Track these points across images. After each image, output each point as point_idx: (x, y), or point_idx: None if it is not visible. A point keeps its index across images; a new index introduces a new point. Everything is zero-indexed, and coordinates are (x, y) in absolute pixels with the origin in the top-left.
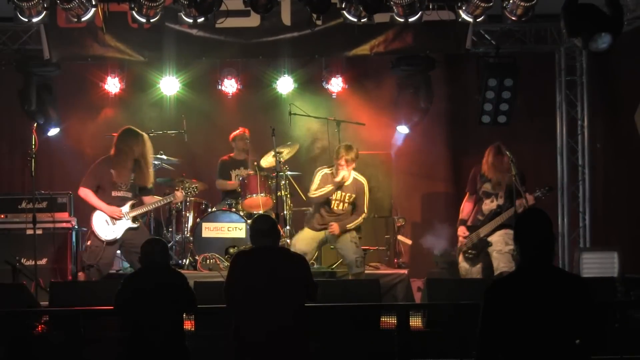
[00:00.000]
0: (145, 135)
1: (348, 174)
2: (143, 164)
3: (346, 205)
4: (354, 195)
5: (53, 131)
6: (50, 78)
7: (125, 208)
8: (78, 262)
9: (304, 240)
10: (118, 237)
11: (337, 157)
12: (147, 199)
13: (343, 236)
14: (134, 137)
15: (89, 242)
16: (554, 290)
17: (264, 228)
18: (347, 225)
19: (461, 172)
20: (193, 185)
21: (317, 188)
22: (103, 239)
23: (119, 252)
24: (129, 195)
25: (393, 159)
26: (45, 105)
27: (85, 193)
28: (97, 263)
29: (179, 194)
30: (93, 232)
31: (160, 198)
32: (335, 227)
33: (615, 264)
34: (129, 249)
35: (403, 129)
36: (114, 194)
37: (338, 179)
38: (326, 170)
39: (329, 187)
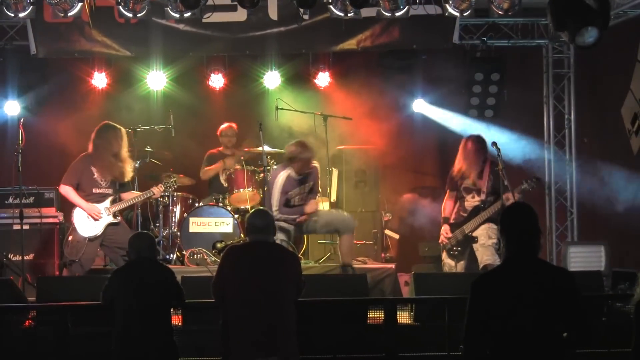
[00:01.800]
0: (123, 130)
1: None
2: (121, 159)
3: (305, 195)
4: (312, 183)
5: (9, 105)
6: (35, 73)
7: (106, 203)
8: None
9: (283, 232)
10: (99, 233)
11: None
12: (125, 195)
13: (317, 213)
14: (112, 132)
15: (70, 238)
16: (539, 282)
17: (259, 223)
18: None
19: (448, 167)
20: (171, 180)
21: (280, 200)
22: (84, 235)
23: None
24: (110, 191)
25: (379, 153)
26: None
27: (66, 190)
28: (79, 259)
29: (157, 190)
30: (74, 228)
31: (140, 193)
32: (310, 207)
33: (602, 258)
34: (110, 246)
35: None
36: (94, 190)
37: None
38: (284, 175)
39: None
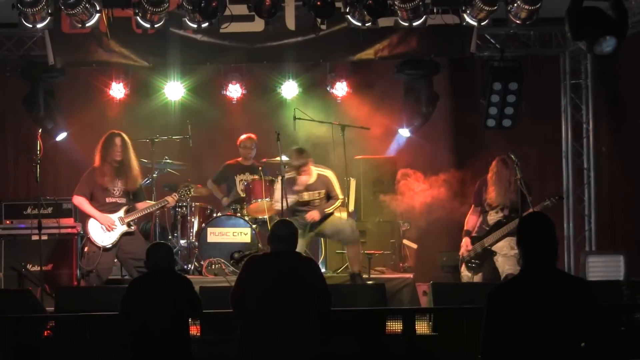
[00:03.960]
0: (122, 137)
1: (306, 179)
2: (126, 167)
3: (318, 201)
4: (323, 190)
5: (61, 136)
6: (54, 84)
7: (120, 213)
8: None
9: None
10: (113, 242)
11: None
12: (140, 204)
13: (329, 219)
14: (112, 141)
15: (86, 249)
16: (557, 293)
17: (281, 233)
18: (325, 210)
19: (466, 176)
20: (186, 189)
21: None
22: (99, 245)
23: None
24: (123, 200)
25: (397, 162)
26: (53, 110)
27: (79, 201)
28: (95, 269)
29: (171, 199)
30: (89, 239)
31: (154, 202)
32: (314, 213)
33: (621, 268)
34: (125, 257)
35: (405, 132)
36: (107, 200)
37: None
38: (287, 177)
39: (294, 198)
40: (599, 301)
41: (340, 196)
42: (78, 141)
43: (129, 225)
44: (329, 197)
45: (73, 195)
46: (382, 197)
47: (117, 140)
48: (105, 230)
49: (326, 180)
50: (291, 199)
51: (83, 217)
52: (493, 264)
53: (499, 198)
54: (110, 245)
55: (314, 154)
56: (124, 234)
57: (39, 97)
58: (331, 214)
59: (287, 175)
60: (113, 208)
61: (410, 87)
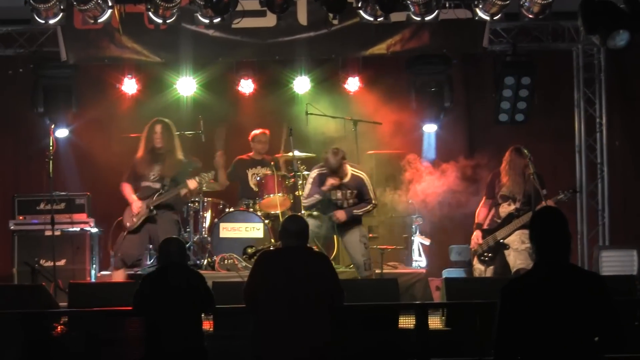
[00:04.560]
0: (164, 124)
1: (336, 181)
2: (162, 153)
3: (350, 202)
4: (355, 191)
5: (61, 132)
6: (65, 80)
7: (151, 198)
8: (97, 263)
9: (316, 219)
10: (136, 224)
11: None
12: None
13: (352, 233)
14: (151, 127)
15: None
16: (570, 288)
17: (292, 228)
18: (354, 211)
19: (478, 171)
20: (207, 174)
21: (308, 194)
22: (125, 227)
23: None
24: (157, 185)
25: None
26: (53, 107)
27: (122, 187)
28: (120, 251)
29: (192, 183)
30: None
31: (176, 188)
32: (340, 213)
33: (634, 262)
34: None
35: (430, 128)
36: (142, 184)
37: (325, 187)
38: (316, 171)
39: (317, 198)
40: (613, 296)
41: (374, 201)
42: (90, 137)
43: (150, 210)
44: (362, 199)
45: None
46: (395, 192)
47: (158, 128)
48: (132, 214)
49: (359, 182)
50: (315, 198)
51: (96, 213)
52: (504, 257)
53: (512, 186)
54: (132, 227)
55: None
56: (147, 220)
57: (38, 93)
58: (358, 221)
59: (317, 172)
60: (147, 192)
61: (422, 81)
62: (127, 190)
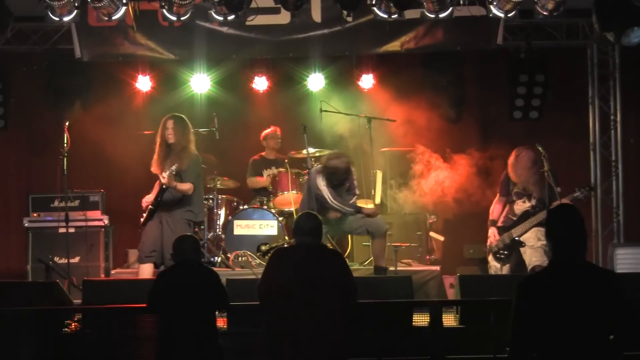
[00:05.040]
0: (176, 119)
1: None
2: (173, 149)
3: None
4: (347, 184)
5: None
6: (79, 77)
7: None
8: (111, 260)
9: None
10: (146, 219)
11: None
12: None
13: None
14: (163, 123)
15: None
16: (586, 285)
17: (306, 226)
18: (345, 210)
19: (492, 168)
20: (172, 168)
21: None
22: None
23: None
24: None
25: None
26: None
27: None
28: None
29: (161, 177)
30: None
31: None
32: (369, 209)
33: None
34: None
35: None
36: (158, 182)
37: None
38: (321, 178)
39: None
40: (628, 293)
41: (357, 191)
42: (105, 134)
43: (152, 204)
44: (348, 190)
45: None
46: (409, 189)
47: (169, 123)
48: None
49: (349, 175)
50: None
51: (110, 210)
52: (520, 255)
53: (524, 182)
54: (143, 222)
55: (340, 146)
56: (156, 216)
57: (52, 90)
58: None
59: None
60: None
61: (436, 79)
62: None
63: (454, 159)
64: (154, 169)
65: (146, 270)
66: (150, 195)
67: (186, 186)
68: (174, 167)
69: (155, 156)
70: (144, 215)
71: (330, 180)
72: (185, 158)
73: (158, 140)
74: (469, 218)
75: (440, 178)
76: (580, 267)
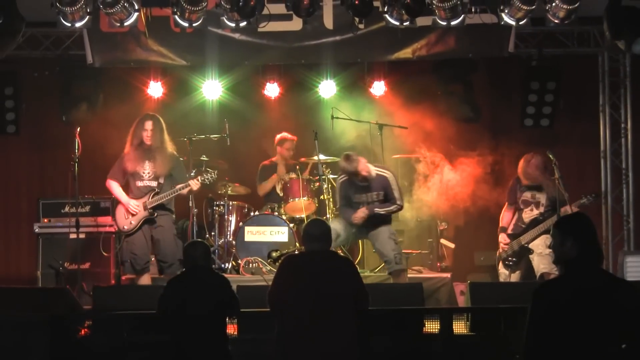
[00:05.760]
0: (154, 120)
1: (365, 214)
2: (154, 150)
3: (375, 204)
4: (382, 192)
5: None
6: (91, 83)
7: (145, 197)
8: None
9: (340, 222)
10: (134, 226)
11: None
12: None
13: (381, 232)
14: (140, 123)
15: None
16: (601, 293)
17: (315, 232)
18: (376, 209)
19: (503, 176)
20: (209, 174)
21: (340, 201)
22: (120, 229)
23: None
24: (153, 184)
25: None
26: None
27: (109, 184)
28: (124, 257)
29: (194, 183)
30: (115, 222)
31: (178, 186)
32: (361, 211)
33: None
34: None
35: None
36: (137, 184)
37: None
38: (341, 179)
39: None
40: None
41: (399, 202)
42: (116, 140)
43: (149, 211)
44: (387, 199)
45: (106, 179)
46: (420, 196)
47: (148, 124)
48: (127, 214)
49: (384, 181)
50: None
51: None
52: (530, 262)
53: (529, 179)
54: (131, 230)
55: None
56: (146, 221)
57: (64, 96)
58: (387, 221)
59: (340, 180)
60: (144, 192)
61: (447, 86)
62: (118, 189)
63: (465, 166)
64: (135, 167)
65: (147, 280)
66: (136, 201)
67: (195, 186)
68: (212, 173)
69: (129, 156)
70: (132, 222)
71: (352, 182)
72: (166, 159)
73: (130, 139)
74: (480, 225)
75: (451, 185)
76: (595, 275)
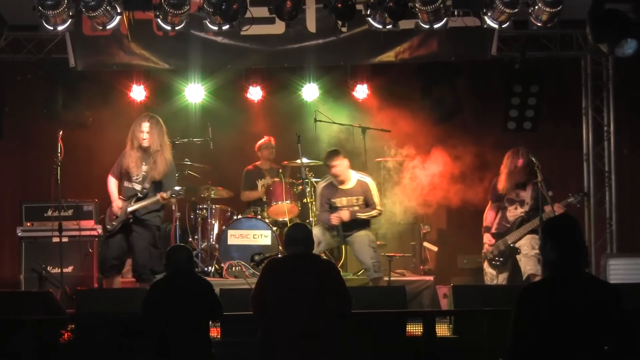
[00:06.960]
0: (153, 122)
1: (346, 217)
2: (150, 152)
3: (356, 209)
4: (361, 197)
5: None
6: (74, 86)
7: (130, 200)
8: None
9: (320, 229)
10: (115, 228)
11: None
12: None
13: (360, 238)
14: (138, 123)
15: None
16: (586, 296)
17: (297, 236)
18: (358, 214)
19: (486, 179)
20: (177, 189)
21: (321, 207)
22: (107, 228)
23: None
24: (138, 187)
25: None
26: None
27: (108, 181)
28: (103, 252)
29: (161, 197)
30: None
31: (156, 199)
32: (342, 213)
33: None
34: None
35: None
36: (125, 184)
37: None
38: (323, 184)
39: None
40: (624, 305)
41: (379, 207)
42: (99, 143)
43: (128, 215)
44: (367, 204)
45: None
46: (403, 198)
47: (145, 126)
48: (113, 214)
49: (365, 187)
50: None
51: (103, 220)
52: (517, 262)
53: (505, 183)
54: (112, 230)
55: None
56: (125, 225)
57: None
58: (366, 226)
59: (324, 182)
60: (128, 193)
61: (430, 89)
62: (112, 186)
63: (447, 169)
64: (130, 167)
65: (114, 284)
66: (120, 203)
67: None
68: (180, 190)
69: (128, 156)
70: (114, 223)
71: (332, 185)
72: (163, 165)
73: (129, 139)
74: (463, 228)
75: (433, 188)
76: (580, 278)
